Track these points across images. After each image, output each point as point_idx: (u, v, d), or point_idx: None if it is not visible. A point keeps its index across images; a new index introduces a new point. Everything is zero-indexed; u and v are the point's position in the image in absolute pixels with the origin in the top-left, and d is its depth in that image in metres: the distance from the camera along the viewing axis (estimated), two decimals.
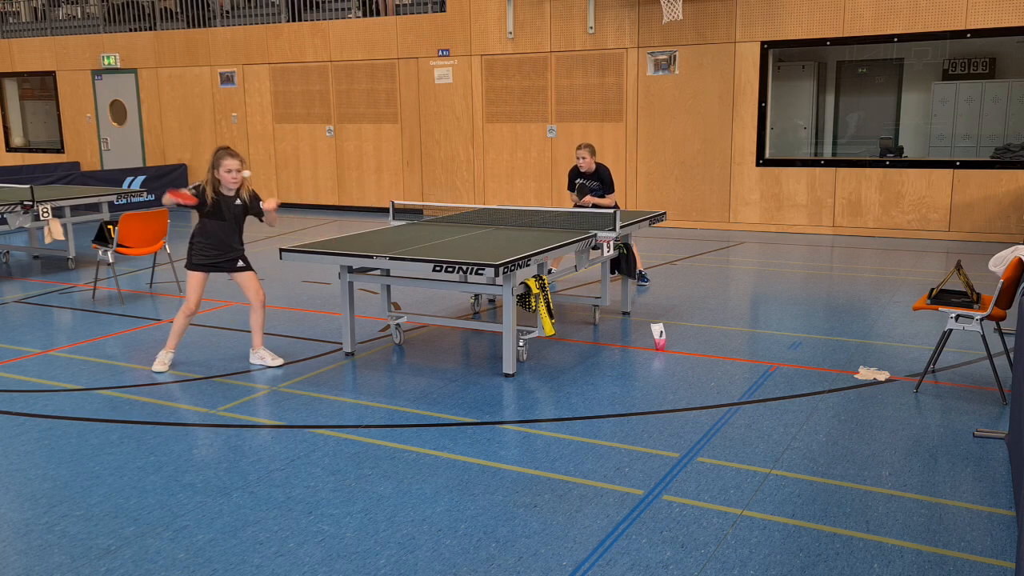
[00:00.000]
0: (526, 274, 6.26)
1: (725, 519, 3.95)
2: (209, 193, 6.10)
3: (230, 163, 6.08)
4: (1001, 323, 5.67)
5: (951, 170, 11.80)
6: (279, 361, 6.39)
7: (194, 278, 6.29)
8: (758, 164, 12.77)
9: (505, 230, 7.24)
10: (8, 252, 11.16)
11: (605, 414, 5.31)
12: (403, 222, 7.77)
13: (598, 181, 8.82)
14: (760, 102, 12.61)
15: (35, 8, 19.43)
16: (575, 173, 8.93)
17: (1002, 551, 3.66)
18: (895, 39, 11.80)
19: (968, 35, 11.40)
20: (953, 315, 5.55)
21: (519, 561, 3.60)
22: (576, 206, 8.80)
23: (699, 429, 5.05)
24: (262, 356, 6.41)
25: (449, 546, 3.74)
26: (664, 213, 8.28)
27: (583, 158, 8.72)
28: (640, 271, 8.96)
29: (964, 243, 11.57)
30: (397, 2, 15.29)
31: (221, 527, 3.92)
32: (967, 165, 11.81)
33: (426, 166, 15.20)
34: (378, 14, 15.35)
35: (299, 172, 16.38)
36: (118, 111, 18.17)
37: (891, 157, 13.02)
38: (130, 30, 17.80)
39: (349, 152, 15.80)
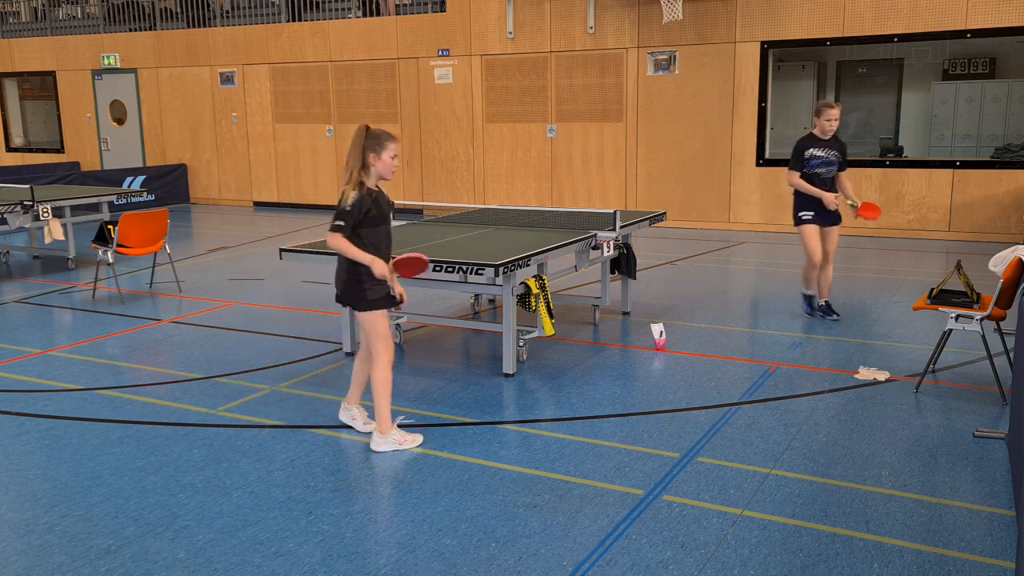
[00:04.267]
0: (526, 274, 6.26)
1: (725, 519, 3.95)
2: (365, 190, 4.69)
3: (395, 147, 4.77)
4: (1001, 323, 5.67)
5: (951, 170, 11.80)
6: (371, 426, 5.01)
7: (383, 318, 4.78)
8: (758, 164, 12.76)
9: (505, 230, 7.24)
10: (8, 252, 11.16)
11: (605, 414, 5.31)
12: (403, 222, 7.77)
13: (838, 152, 7.30)
14: (760, 102, 12.61)
15: (35, 8, 19.43)
16: (808, 143, 7.30)
17: (1002, 551, 3.66)
18: (895, 39, 11.80)
19: (968, 35, 11.40)
20: (953, 315, 5.55)
21: (519, 561, 3.60)
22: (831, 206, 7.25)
23: (699, 429, 5.05)
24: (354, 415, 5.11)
25: (449, 546, 3.74)
26: (664, 213, 8.28)
27: (836, 119, 7.21)
28: (826, 302, 7.53)
29: (964, 243, 11.56)
30: (397, 2, 15.29)
31: (221, 527, 3.92)
32: (967, 165, 11.81)
33: (426, 166, 15.20)
34: (378, 14, 15.35)
35: (299, 172, 16.37)
36: (118, 111, 18.17)
37: (891, 157, 13.03)
38: (130, 30, 17.80)
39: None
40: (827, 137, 7.26)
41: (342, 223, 4.60)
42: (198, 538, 3.83)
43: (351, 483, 4.38)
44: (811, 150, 7.25)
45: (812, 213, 7.29)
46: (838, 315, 7.53)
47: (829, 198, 7.17)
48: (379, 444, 4.77)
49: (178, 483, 4.39)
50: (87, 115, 18.53)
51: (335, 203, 4.84)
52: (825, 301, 7.57)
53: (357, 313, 4.79)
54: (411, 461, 4.63)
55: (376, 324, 4.71)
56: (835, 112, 7.19)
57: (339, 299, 4.91)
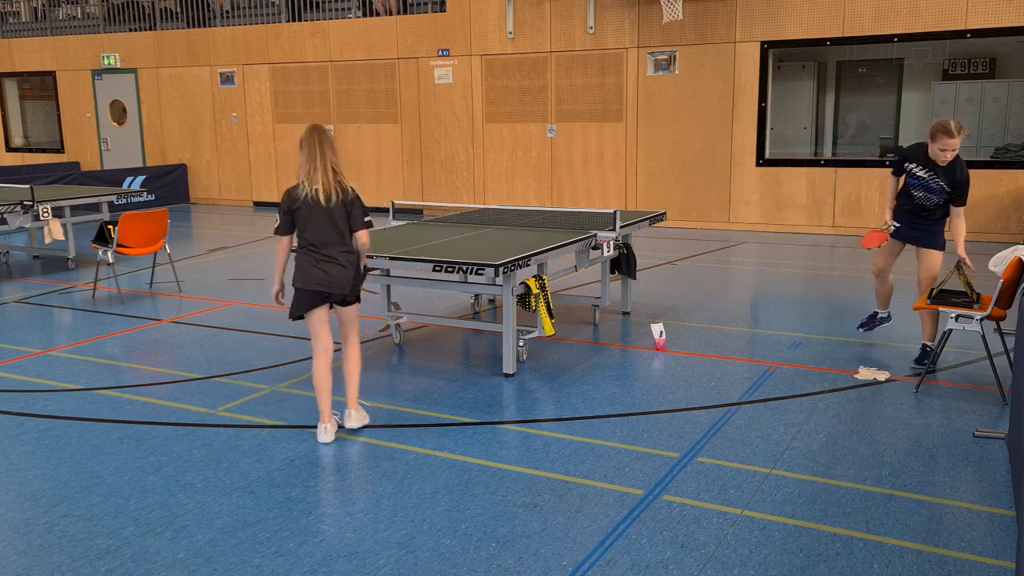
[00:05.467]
0: (526, 274, 6.26)
1: (725, 519, 3.95)
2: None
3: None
4: (1001, 323, 5.67)
5: None
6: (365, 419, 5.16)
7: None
8: (758, 164, 12.76)
9: (505, 230, 7.24)
10: (8, 252, 11.16)
11: (605, 414, 5.31)
12: (403, 222, 7.77)
13: (948, 182, 6.01)
14: (760, 102, 12.61)
15: (35, 8, 19.43)
16: (915, 154, 6.10)
17: (1002, 551, 3.66)
18: (895, 39, 11.80)
19: (968, 35, 11.39)
20: (953, 315, 5.55)
21: (519, 561, 3.60)
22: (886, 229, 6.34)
23: (699, 429, 5.05)
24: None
25: (449, 546, 3.74)
26: (664, 213, 8.27)
27: (953, 151, 5.87)
28: (880, 314, 6.77)
29: (964, 243, 11.53)
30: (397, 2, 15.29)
31: (221, 527, 3.92)
32: (967, 165, 11.78)
33: (426, 166, 15.20)
34: (378, 14, 15.35)
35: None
36: (118, 111, 18.17)
37: (891, 157, 13.01)
38: (130, 30, 17.80)
39: (349, 152, 15.78)
40: (939, 163, 5.99)
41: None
42: (198, 538, 3.83)
43: (351, 483, 4.38)
44: (913, 165, 6.09)
45: (898, 225, 6.32)
46: (872, 325, 6.88)
47: (884, 218, 6.37)
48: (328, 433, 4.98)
49: (178, 483, 4.39)
50: (87, 115, 18.53)
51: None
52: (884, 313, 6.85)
53: (354, 306, 5.07)
54: (411, 461, 4.63)
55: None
56: (953, 143, 5.80)
57: (346, 297, 5.03)
